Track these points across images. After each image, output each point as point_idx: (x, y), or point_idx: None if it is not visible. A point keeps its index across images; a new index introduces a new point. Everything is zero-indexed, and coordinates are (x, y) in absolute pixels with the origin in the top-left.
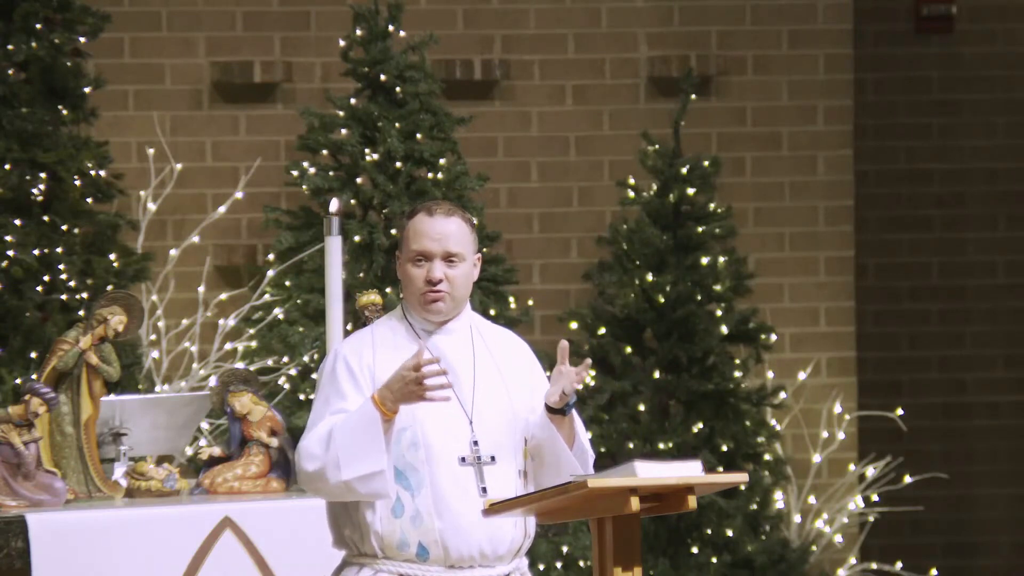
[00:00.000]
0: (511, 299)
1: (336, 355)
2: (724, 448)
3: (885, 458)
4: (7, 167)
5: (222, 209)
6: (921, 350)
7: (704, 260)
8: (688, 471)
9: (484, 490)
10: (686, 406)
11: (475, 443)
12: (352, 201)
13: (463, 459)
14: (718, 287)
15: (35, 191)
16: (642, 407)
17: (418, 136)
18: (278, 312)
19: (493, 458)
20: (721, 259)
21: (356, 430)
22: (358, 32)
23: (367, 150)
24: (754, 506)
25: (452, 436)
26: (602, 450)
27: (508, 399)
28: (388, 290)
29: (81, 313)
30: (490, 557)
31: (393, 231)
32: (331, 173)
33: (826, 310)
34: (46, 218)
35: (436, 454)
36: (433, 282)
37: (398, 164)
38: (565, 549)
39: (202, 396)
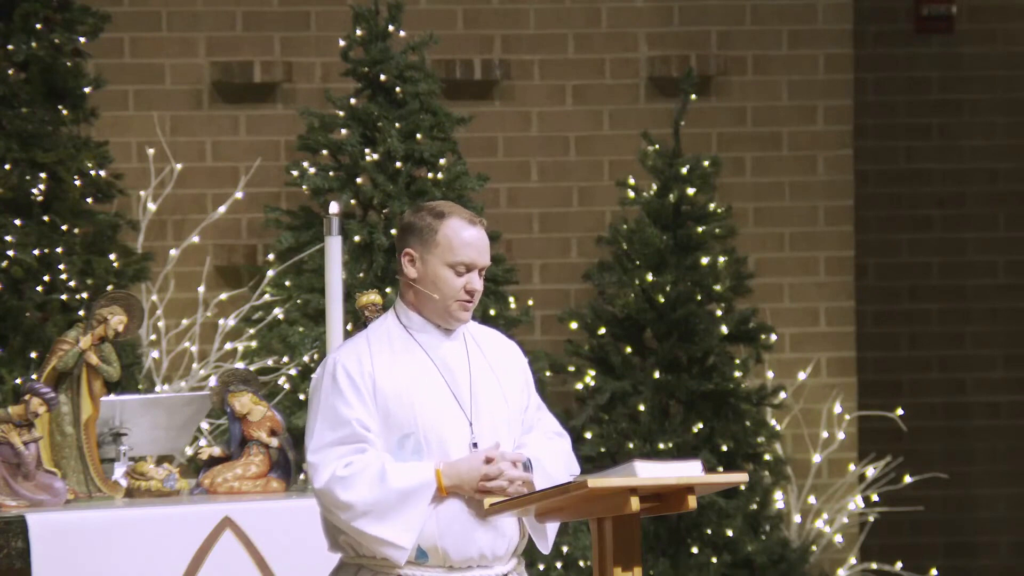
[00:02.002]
0: (511, 299)
1: (335, 363)
2: (724, 448)
3: (885, 458)
4: (7, 167)
5: (222, 209)
6: (921, 350)
7: (704, 260)
8: (688, 471)
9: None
10: (686, 406)
11: (475, 444)
12: (352, 201)
13: None
14: (718, 287)
15: (35, 191)
16: (642, 407)
17: (418, 136)
18: (278, 312)
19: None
20: (721, 259)
21: (406, 494)
22: (358, 32)
23: (367, 150)
24: (754, 506)
25: (453, 438)
26: (602, 450)
27: (504, 400)
28: (388, 290)
29: (81, 313)
30: (489, 558)
31: (393, 231)
32: (331, 173)
33: (826, 310)
34: (46, 218)
35: (437, 457)
36: (473, 293)
37: (398, 164)
38: (565, 549)
39: (202, 396)
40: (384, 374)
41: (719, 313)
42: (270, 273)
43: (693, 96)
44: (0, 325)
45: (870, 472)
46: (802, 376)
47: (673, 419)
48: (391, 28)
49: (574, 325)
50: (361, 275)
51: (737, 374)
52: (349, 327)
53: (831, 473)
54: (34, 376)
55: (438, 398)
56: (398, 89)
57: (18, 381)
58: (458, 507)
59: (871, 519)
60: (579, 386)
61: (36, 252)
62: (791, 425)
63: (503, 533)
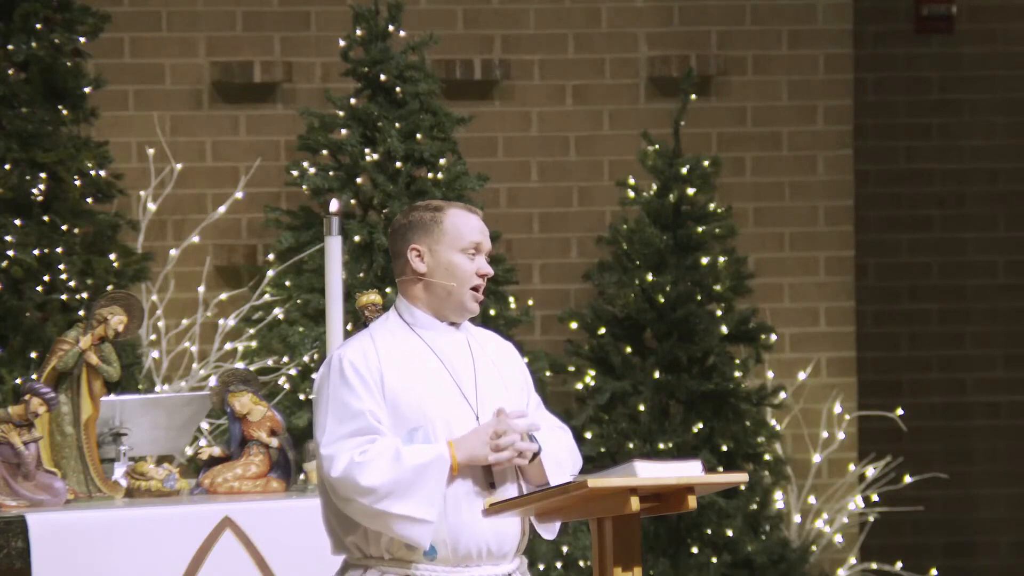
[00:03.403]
0: (511, 299)
1: (341, 359)
2: (724, 448)
3: (885, 458)
4: (7, 167)
5: (222, 209)
6: (921, 350)
7: (704, 260)
8: (688, 471)
9: (492, 485)
10: (686, 406)
11: None
12: (352, 201)
13: None
14: (718, 287)
15: (35, 191)
16: (642, 407)
17: (418, 136)
18: (278, 312)
19: None
20: (721, 259)
21: (422, 469)
22: (358, 32)
23: (367, 150)
24: (754, 506)
25: (461, 432)
26: (602, 450)
27: (507, 395)
28: (388, 290)
29: (81, 313)
30: (495, 554)
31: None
32: (331, 173)
33: (826, 310)
34: (46, 218)
35: None
36: (485, 276)
37: (398, 164)
38: (565, 549)
39: (202, 396)
40: (391, 369)
41: (719, 313)
42: (270, 273)
43: (693, 96)
44: (0, 325)
45: (870, 472)
46: (802, 376)
47: (673, 419)
48: (391, 28)
49: (574, 325)
50: (361, 275)
51: (737, 374)
52: (349, 327)
53: (831, 473)
54: (34, 376)
55: (445, 392)
56: (398, 89)
57: (18, 381)
58: (466, 502)
59: (871, 519)
60: (579, 386)
61: (36, 252)
62: (791, 425)
63: (509, 529)
